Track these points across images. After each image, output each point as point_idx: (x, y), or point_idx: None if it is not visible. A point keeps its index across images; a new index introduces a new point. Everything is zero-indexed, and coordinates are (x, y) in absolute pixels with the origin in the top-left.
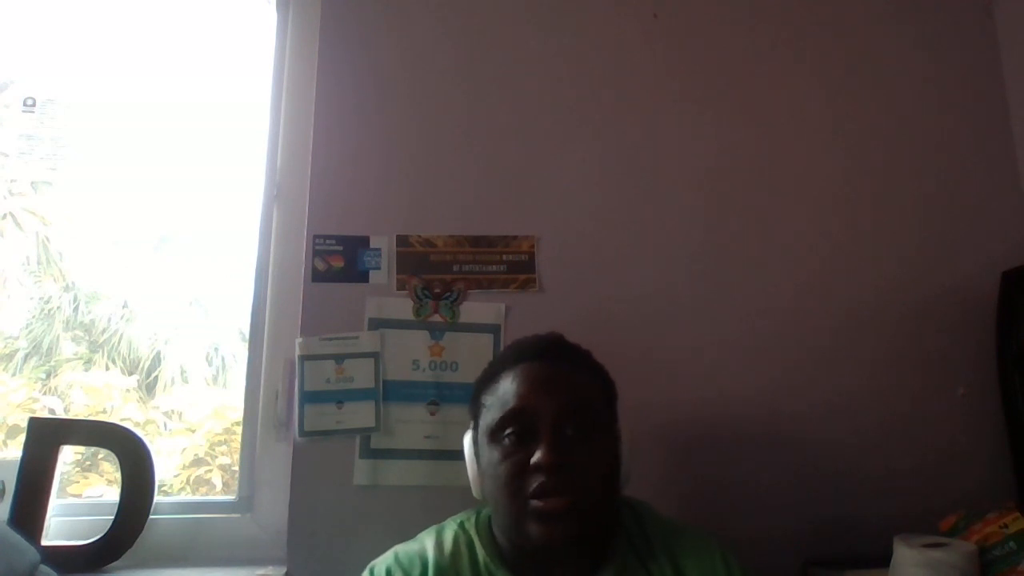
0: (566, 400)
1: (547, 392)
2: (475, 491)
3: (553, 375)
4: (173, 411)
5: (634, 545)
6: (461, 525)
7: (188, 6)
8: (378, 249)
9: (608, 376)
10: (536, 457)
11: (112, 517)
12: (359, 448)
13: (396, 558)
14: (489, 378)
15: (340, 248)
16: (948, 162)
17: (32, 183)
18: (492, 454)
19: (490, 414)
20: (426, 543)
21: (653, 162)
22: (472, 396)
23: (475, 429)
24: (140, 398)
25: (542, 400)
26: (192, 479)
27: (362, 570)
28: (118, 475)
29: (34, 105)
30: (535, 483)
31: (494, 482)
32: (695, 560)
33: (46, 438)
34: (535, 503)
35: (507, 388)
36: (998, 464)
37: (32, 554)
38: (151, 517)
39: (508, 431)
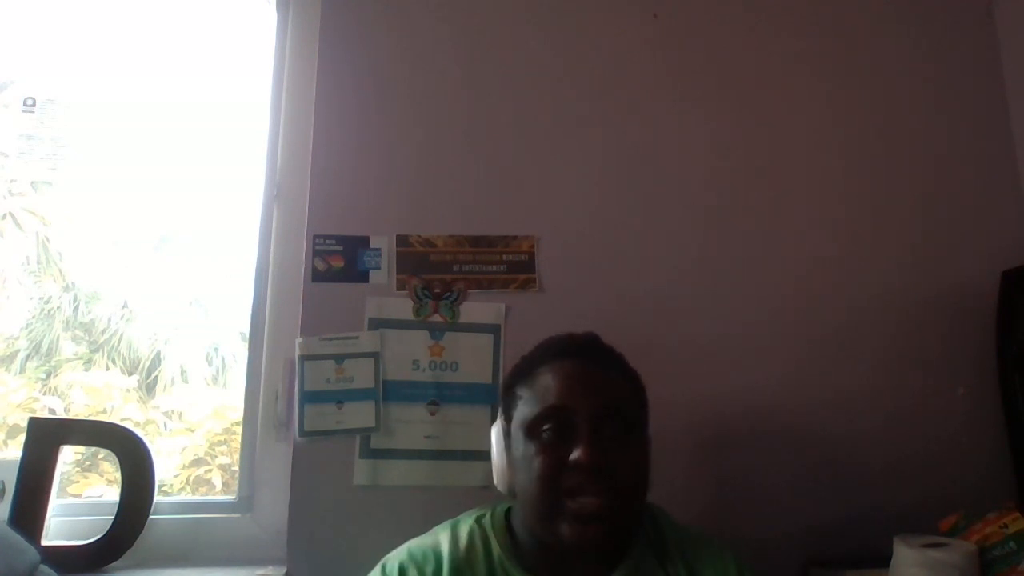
0: (605, 400)
1: (587, 391)
2: (499, 483)
3: (593, 374)
4: (173, 411)
5: (651, 548)
6: (477, 520)
7: (188, 6)
8: (378, 249)
9: (640, 381)
10: (575, 455)
11: (112, 517)
12: (359, 448)
13: (409, 553)
14: (525, 371)
15: (340, 248)
16: (948, 162)
17: (32, 183)
18: (528, 447)
19: (527, 408)
20: (440, 538)
21: (653, 162)
22: (504, 388)
23: (507, 421)
24: (140, 398)
25: (582, 398)
26: (192, 479)
27: (363, 570)
28: (118, 475)
29: (34, 105)
30: (572, 481)
31: (528, 475)
32: (710, 566)
33: (46, 438)
34: (570, 503)
35: (547, 383)
36: (998, 464)
37: (32, 554)
38: (151, 517)
39: (547, 427)
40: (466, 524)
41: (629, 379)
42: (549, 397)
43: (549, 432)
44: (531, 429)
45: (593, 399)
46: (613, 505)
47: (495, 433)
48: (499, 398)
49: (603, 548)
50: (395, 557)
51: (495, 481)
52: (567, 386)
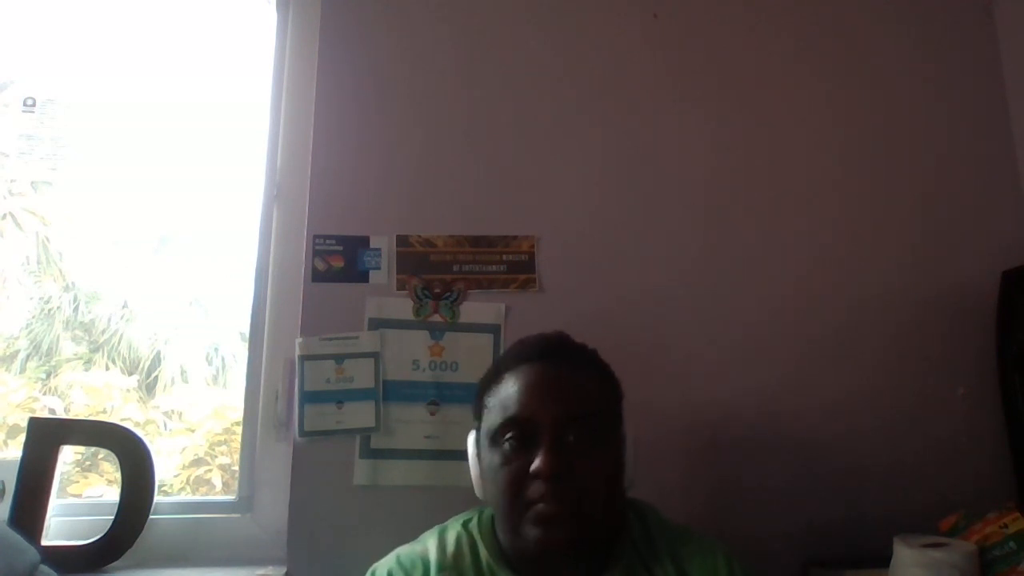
0: (567, 407)
1: (548, 398)
2: (478, 491)
3: (555, 379)
4: (173, 411)
5: (638, 548)
6: (464, 525)
7: (188, 6)
8: (378, 249)
9: (614, 377)
10: (535, 465)
11: (112, 517)
12: (359, 448)
13: (398, 560)
14: (492, 378)
15: (340, 248)
16: (948, 162)
17: (32, 183)
18: (493, 458)
19: (491, 417)
20: (428, 544)
21: (653, 162)
22: (476, 395)
23: (478, 430)
24: (140, 398)
25: (542, 407)
26: (192, 479)
27: (362, 570)
28: (118, 475)
29: (34, 105)
30: (534, 490)
31: (494, 486)
32: (699, 563)
33: (46, 438)
34: (532, 510)
35: (509, 392)
36: (998, 464)
37: (32, 554)
38: (151, 517)
39: (508, 436)
40: (453, 529)
41: (600, 377)
42: (511, 407)
43: (511, 441)
44: (494, 439)
45: (556, 407)
46: (577, 509)
47: (470, 441)
48: (472, 406)
49: (573, 552)
50: (384, 565)
51: (475, 490)
52: (529, 395)
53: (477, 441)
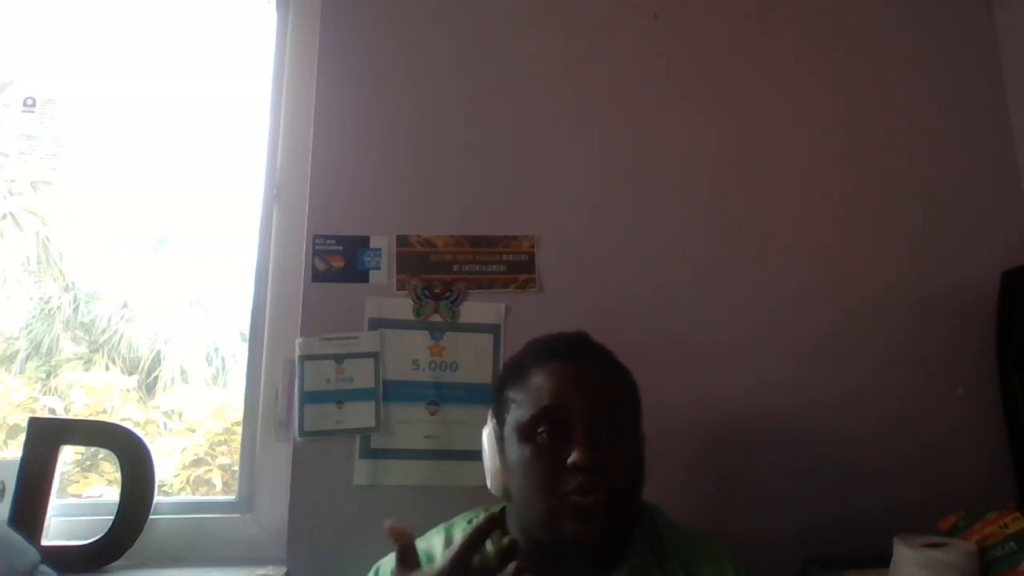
0: (599, 400)
1: (581, 391)
2: (493, 487)
3: (585, 374)
4: (173, 411)
5: (649, 547)
6: (470, 523)
7: (188, 7)
8: (378, 249)
9: (632, 378)
10: (573, 457)
11: (112, 517)
12: (359, 448)
13: None
14: (516, 374)
15: (340, 248)
16: (948, 162)
17: (32, 183)
18: (523, 451)
19: (520, 410)
20: (434, 541)
21: (653, 162)
22: (495, 391)
23: (500, 425)
24: (140, 398)
25: (576, 399)
26: (192, 479)
27: (362, 570)
28: (118, 475)
29: (34, 105)
30: (571, 482)
31: (526, 480)
32: (708, 566)
33: (46, 438)
34: (574, 500)
35: (539, 385)
36: (998, 464)
37: (32, 554)
38: (151, 517)
39: (541, 429)
40: (460, 526)
41: (621, 377)
42: (543, 398)
43: (544, 435)
44: (526, 432)
45: (587, 399)
46: (610, 503)
47: (486, 436)
48: (491, 401)
49: (603, 545)
50: (388, 561)
51: (488, 484)
52: (560, 386)
53: (499, 436)
